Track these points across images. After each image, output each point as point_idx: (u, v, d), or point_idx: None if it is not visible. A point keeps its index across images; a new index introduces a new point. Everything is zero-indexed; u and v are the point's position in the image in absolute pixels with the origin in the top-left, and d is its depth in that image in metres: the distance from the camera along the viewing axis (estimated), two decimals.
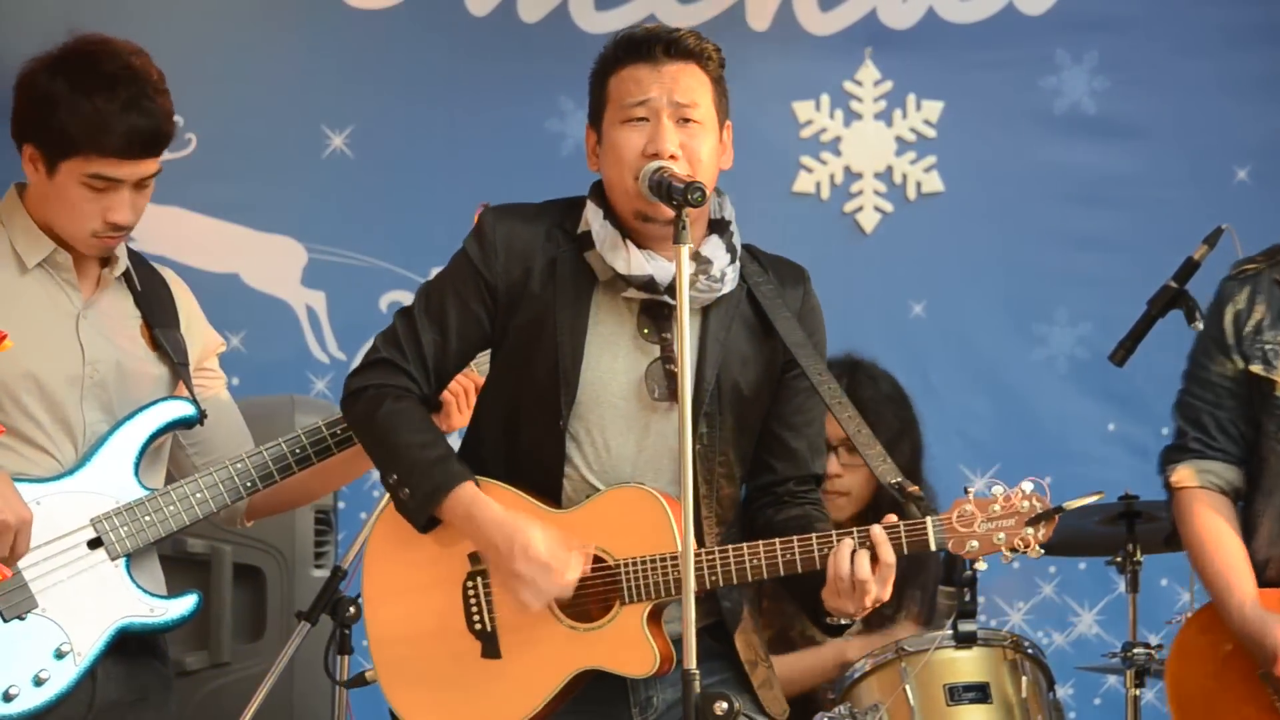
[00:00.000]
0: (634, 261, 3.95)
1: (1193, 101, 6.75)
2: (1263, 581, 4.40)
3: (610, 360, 3.99)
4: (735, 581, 3.89)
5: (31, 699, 4.02)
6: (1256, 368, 4.43)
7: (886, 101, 6.82)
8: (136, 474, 4.15)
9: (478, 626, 3.99)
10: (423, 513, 3.97)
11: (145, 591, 4.14)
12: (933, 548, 3.84)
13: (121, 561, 4.13)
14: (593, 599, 3.93)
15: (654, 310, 3.99)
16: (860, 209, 6.82)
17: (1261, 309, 4.45)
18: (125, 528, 4.12)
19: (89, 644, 4.07)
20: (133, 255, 4.28)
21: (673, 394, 3.95)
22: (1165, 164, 6.77)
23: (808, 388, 4.05)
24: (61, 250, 4.13)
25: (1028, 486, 3.88)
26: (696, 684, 3.62)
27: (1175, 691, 4.45)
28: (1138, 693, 5.24)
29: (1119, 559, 5.38)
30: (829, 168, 6.83)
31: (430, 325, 4.02)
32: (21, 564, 4.00)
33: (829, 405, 4.00)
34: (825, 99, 6.82)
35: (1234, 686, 4.38)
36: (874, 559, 3.82)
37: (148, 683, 4.21)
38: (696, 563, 3.83)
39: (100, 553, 4.11)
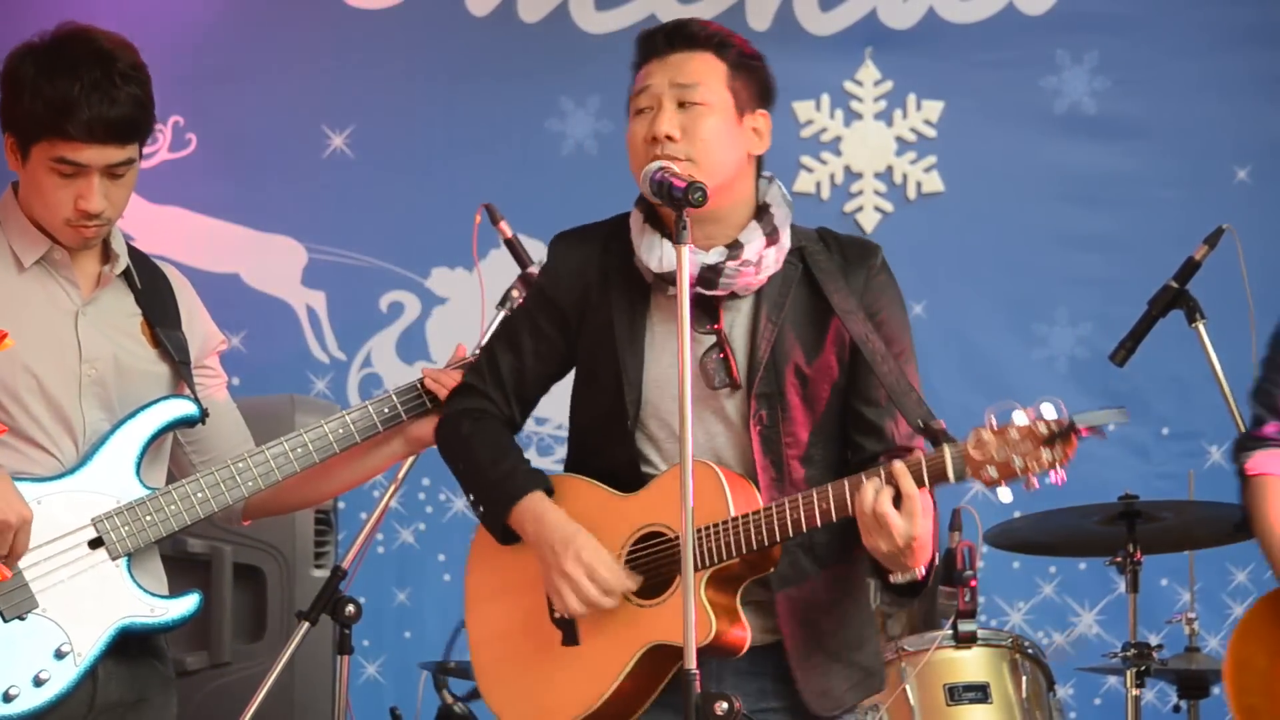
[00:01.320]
0: (666, 258, 3.98)
1: (1193, 101, 6.77)
2: None
3: (671, 356, 4.02)
4: (779, 539, 3.90)
5: (31, 699, 4.00)
6: None
7: (886, 101, 6.83)
8: (138, 473, 4.14)
9: (557, 615, 4.05)
10: (497, 526, 4.09)
11: (146, 591, 4.13)
12: (951, 477, 3.81)
13: (122, 561, 4.12)
14: (660, 576, 3.97)
15: (702, 302, 4.01)
16: (860, 209, 6.83)
17: None
18: (126, 527, 4.11)
19: (89, 644, 4.06)
20: (134, 253, 4.26)
21: (729, 381, 4.02)
22: (1165, 164, 6.79)
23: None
24: (58, 248, 4.11)
25: (1047, 409, 3.81)
26: (697, 684, 3.63)
27: (1236, 674, 4.42)
28: (1138, 693, 5.24)
29: (1119, 559, 5.38)
30: (829, 168, 6.84)
31: (507, 350, 4.18)
32: (22, 563, 3.98)
33: (870, 361, 4.00)
34: (825, 99, 6.84)
35: None
36: (898, 495, 3.82)
37: (148, 683, 4.20)
38: (744, 526, 3.89)
39: (101, 552, 4.10)
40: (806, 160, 6.82)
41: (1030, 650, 5.09)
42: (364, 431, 4.31)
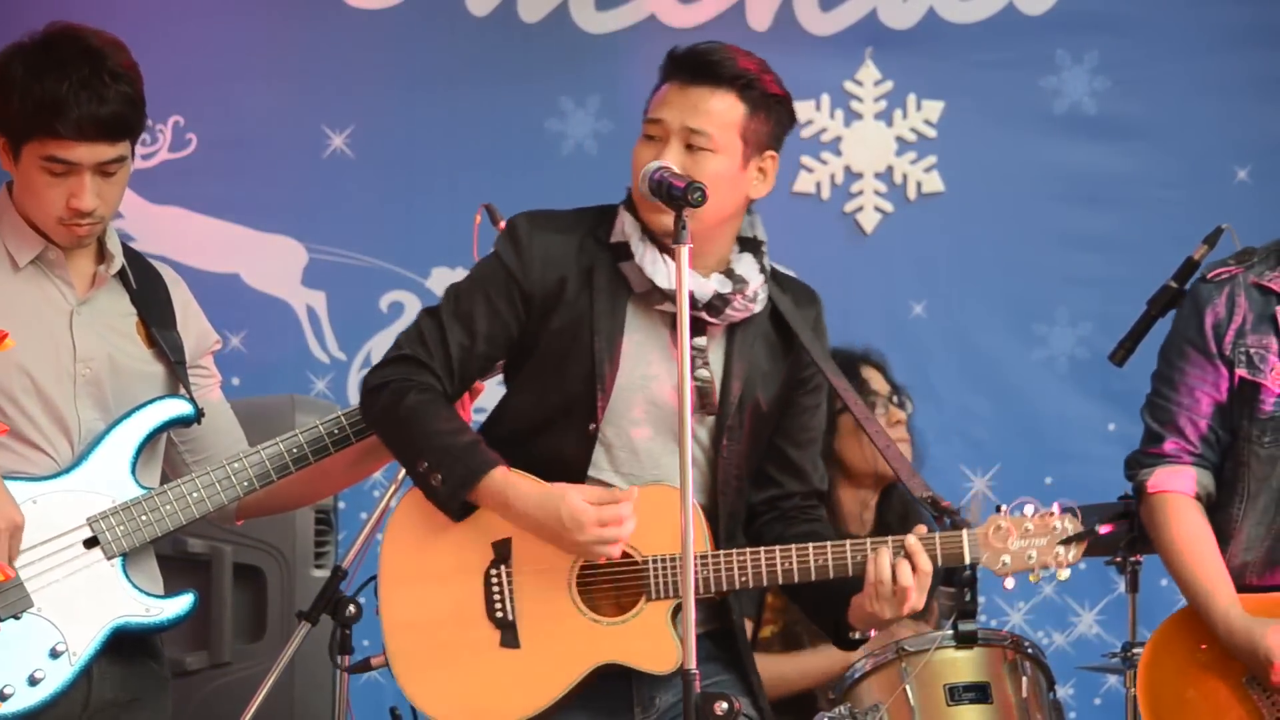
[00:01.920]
0: (673, 276, 3.93)
1: (1193, 101, 6.76)
2: (1240, 586, 4.39)
3: (644, 368, 4.04)
4: (765, 583, 3.95)
5: (26, 698, 4.01)
6: (1242, 370, 4.42)
7: (887, 101, 6.82)
8: (133, 473, 4.15)
9: (499, 615, 4.02)
10: (456, 499, 3.99)
11: (141, 591, 4.13)
12: (967, 560, 3.91)
13: (117, 561, 4.12)
14: (619, 593, 3.97)
15: (690, 326, 4.00)
16: (860, 209, 6.82)
17: (1241, 312, 4.45)
18: (121, 527, 4.12)
19: (84, 643, 4.07)
20: (130, 253, 4.27)
21: (703, 406, 4.01)
22: (1165, 164, 6.78)
23: (815, 405, 4.13)
24: (53, 248, 4.12)
25: (1058, 508, 3.95)
26: (697, 684, 3.65)
27: (1149, 696, 4.43)
28: (1137, 692, 5.23)
29: (1119, 559, 5.37)
30: (829, 168, 6.84)
31: (458, 327, 4.05)
32: (17, 563, 4.00)
33: (859, 422, 4.06)
34: (825, 99, 6.83)
35: (1214, 692, 4.37)
36: (913, 567, 3.89)
37: (143, 682, 4.21)
38: (728, 563, 3.92)
39: (96, 552, 4.11)
40: (806, 160, 6.81)
41: (1030, 650, 5.09)
42: (359, 432, 4.31)
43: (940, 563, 3.89)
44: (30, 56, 4.04)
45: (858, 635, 4.02)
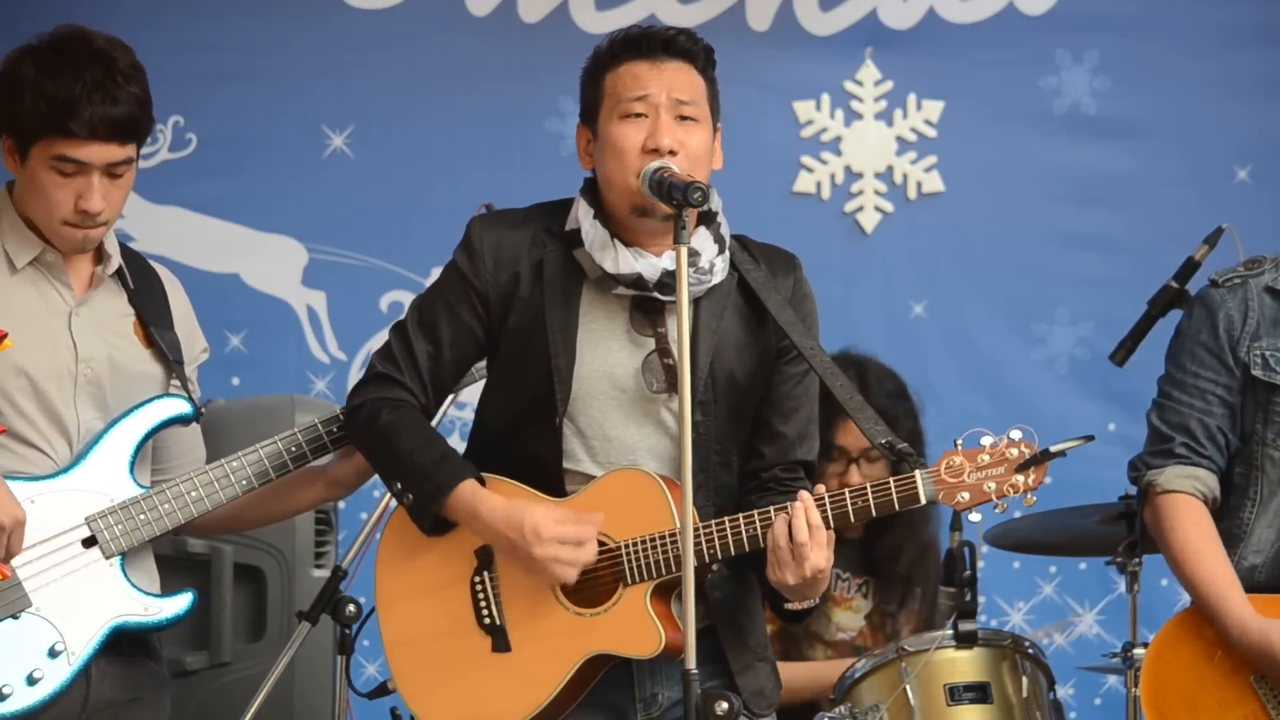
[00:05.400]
0: (622, 261, 3.99)
1: (1193, 101, 6.76)
2: (1249, 588, 4.39)
3: (605, 354, 4.03)
4: (732, 553, 3.91)
5: (25, 698, 4.02)
6: (1258, 373, 4.43)
7: (887, 101, 6.83)
8: (131, 472, 4.16)
9: (487, 621, 4.03)
10: (428, 515, 4.02)
11: (140, 590, 4.14)
12: (923, 500, 3.88)
13: (116, 560, 4.13)
14: (598, 584, 3.97)
15: (645, 305, 4.03)
16: (860, 209, 6.82)
17: (1255, 316, 4.46)
18: (120, 526, 4.13)
19: (83, 643, 4.07)
20: (127, 252, 4.28)
21: (670, 385, 4.00)
22: (1165, 164, 6.78)
23: (800, 373, 4.09)
24: (51, 249, 4.13)
25: (1015, 434, 3.93)
26: (696, 684, 3.64)
27: (1153, 693, 4.43)
28: (1138, 692, 5.23)
29: (1119, 559, 5.37)
30: (829, 168, 6.84)
31: (423, 337, 4.10)
32: (15, 562, 4.00)
33: (821, 375, 4.04)
34: (825, 99, 6.83)
35: (1218, 690, 4.37)
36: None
37: (142, 682, 4.21)
38: (672, 543, 3.89)
39: (95, 551, 4.11)
40: (806, 160, 6.81)
41: (1030, 650, 5.09)
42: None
43: (898, 507, 3.86)
44: (41, 57, 4.06)
45: (792, 608, 3.99)
